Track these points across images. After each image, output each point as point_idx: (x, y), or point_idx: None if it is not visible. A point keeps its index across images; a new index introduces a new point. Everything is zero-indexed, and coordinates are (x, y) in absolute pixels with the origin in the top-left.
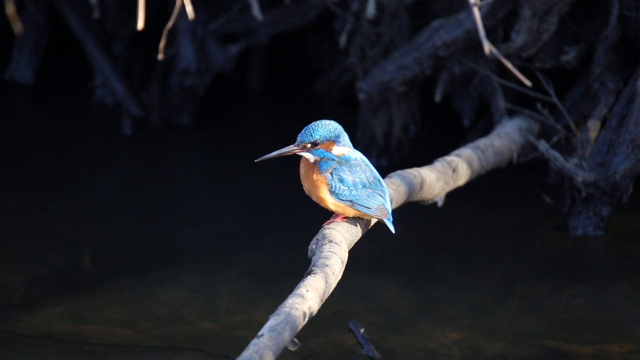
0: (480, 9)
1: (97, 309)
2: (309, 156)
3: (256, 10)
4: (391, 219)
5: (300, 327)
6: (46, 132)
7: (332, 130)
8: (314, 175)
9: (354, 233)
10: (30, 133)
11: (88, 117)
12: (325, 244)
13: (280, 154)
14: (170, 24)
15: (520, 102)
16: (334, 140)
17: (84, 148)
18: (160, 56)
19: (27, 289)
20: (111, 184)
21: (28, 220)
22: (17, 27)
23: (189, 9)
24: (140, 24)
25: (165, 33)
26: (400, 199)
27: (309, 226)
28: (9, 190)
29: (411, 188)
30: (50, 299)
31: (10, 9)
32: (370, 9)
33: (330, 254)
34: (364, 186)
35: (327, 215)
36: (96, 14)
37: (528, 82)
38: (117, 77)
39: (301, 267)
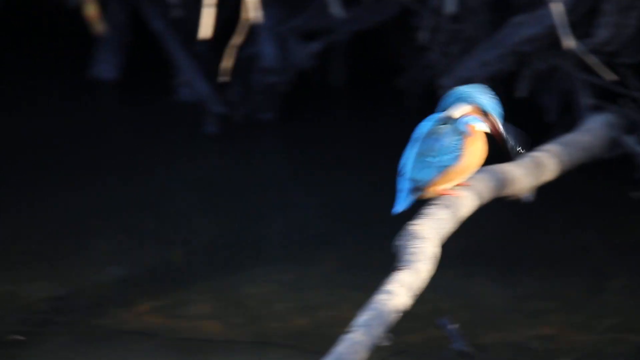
0: (562, 4)
1: (188, 304)
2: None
3: (336, 8)
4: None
5: (392, 323)
6: (131, 131)
7: None
8: None
9: (443, 228)
10: (116, 131)
11: (171, 116)
12: (413, 239)
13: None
14: (236, 40)
15: (605, 97)
16: None
17: (168, 145)
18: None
19: (118, 285)
20: (198, 181)
21: (118, 217)
22: (99, 27)
23: (259, 13)
24: (206, 33)
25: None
26: (488, 195)
27: (395, 222)
28: (98, 188)
29: (499, 183)
30: (142, 294)
31: (91, 10)
32: (450, 5)
33: (417, 249)
34: None
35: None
36: (178, 12)
37: (614, 77)
38: (199, 75)
39: (389, 262)
